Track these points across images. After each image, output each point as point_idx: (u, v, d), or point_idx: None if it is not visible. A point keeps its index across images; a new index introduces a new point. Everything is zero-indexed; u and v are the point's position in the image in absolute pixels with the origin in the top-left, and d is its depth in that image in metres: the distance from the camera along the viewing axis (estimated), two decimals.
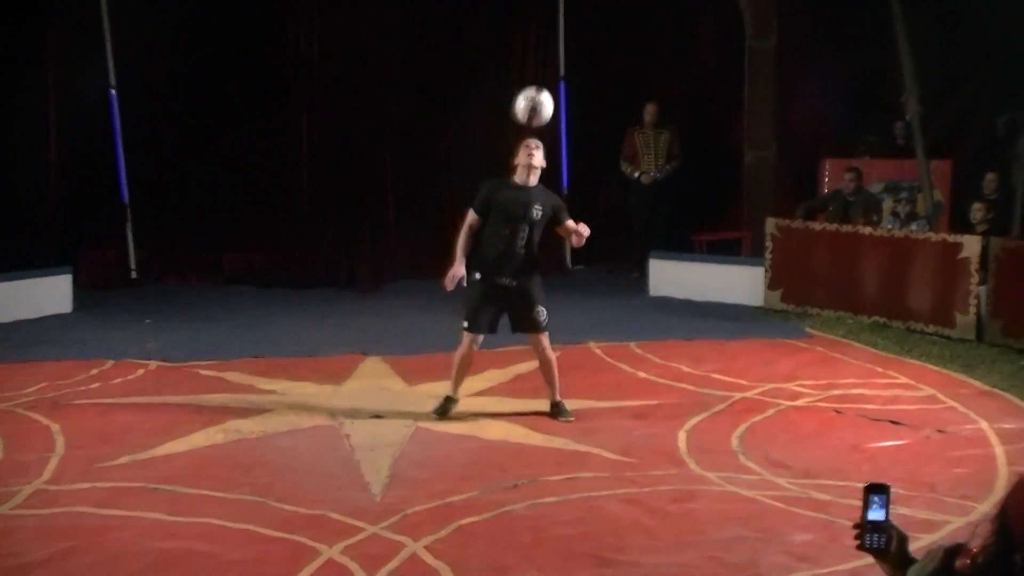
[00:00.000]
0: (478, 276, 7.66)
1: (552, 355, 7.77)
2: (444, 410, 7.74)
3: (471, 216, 7.70)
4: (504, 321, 7.85)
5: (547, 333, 7.73)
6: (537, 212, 7.60)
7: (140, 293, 12.35)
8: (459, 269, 7.66)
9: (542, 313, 7.66)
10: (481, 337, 7.77)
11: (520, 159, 7.68)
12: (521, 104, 7.63)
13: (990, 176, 11.75)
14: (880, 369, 9.12)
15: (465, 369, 7.83)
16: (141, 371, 8.97)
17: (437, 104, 13.46)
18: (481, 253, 7.66)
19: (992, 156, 12.76)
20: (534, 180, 7.68)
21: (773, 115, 13.39)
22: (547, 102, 7.65)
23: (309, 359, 9.33)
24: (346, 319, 11.03)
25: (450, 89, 13.46)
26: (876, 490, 2.58)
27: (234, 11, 12.69)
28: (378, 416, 7.77)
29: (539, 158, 7.68)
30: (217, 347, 9.69)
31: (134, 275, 12.80)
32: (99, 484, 6.38)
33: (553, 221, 7.73)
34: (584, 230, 7.62)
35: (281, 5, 13.07)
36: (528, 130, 7.76)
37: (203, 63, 12.67)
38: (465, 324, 7.73)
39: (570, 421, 7.61)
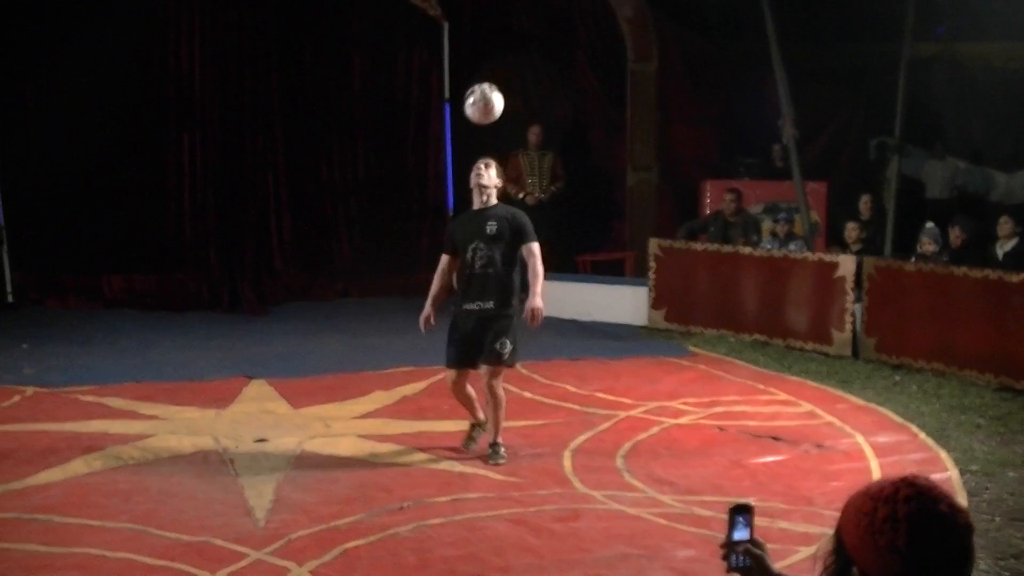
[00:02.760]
0: (453, 308, 7.40)
1: (502, 394, 7.33)
2: (471, 438, 7.51)
3: (442, 259, 7.43)
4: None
5: (503, 370, 7.28)
6: (491, 228, 7.19)
7: (16, 317, 12.02)
8: (427, 311, 7.34)
9: (505, 345, 7.17)
10: (468, 371, 7.35)
11: (471, 180, 7.37)
12: (470, 100, 7.22)
13: (865, 198, 12.11)
14: (761, 386, 9.31)
15: (463, 401, 7.48)
16: (17, 397, 8.74)
17: (322, 126, 13.40)
18: (457, 284, 7.42)
19: (865, 178, 13.16)
20: (491, 200, 7.30)
21: (654, 137, 13.62)
22: (497, 95, 7.22)
23: (192, 383, 9.19)
24: (230, 342, 10.89)
25: (335, 111, 13.43)
26: (740, 510, 2.65)
27: (114, 30, 12.45)
28: (262, 440, 7.68)
29: (488, 177, 7.29)
30: (97, 372, 9.48)
31: (10, 299, 12.47)
32: None
33: (516, 240, 7.24)
34: (533, 315, 7.13)
35: (161, 25, 12.86)
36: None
37: (82, 81, 12.38)
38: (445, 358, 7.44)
39: (500, 464, 7.20)
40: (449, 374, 7.41)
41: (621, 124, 13.74)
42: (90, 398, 8.72)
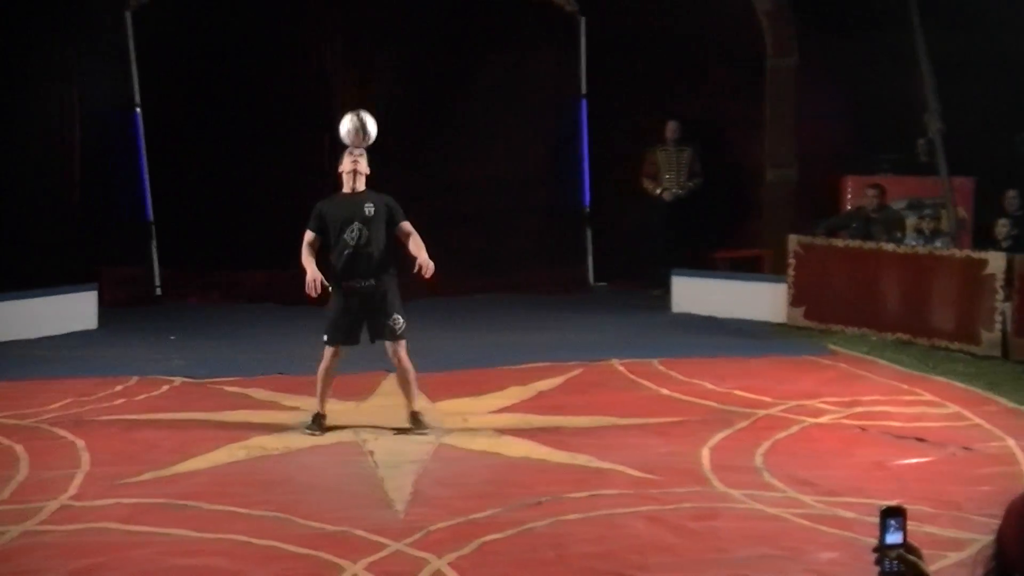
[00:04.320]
0: (332, 287, 7.75)
1: (410, 366, 7.82)
2: (317, 427, 7.74)
3: (307, 235, 7.78)
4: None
5: (404, 342, 7.79)
6: (369, 209, 7.67)
7: (165, 310, 12.40)
8: (313, 272, 7.61)
9: (398, 321, 7.75)
10: (345, 350, 7.85)
11: (344, 167, 7.77)
12: (347, 126, 7.72)
13: (1011, 193, 11.73)
14: (904, 386, 9.07)
15: (327, 384, 7.86)
16: (166, 387, 9.01)
17: (456, 123, 13.48)
18: (331, 266, 7.74)
19: (1014, 173, 12.72)
20: (361, 185, 7.78)
21: (793, 133, 13.38)
22: (371, 121, 7.75)
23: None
24: (367, 337, 11.00)
25: (470, 108, 13.50)
26: (892, 513, 2.56)
27: (258, 31, 12.75)
28: (401, 433, 7.77)
29: (364, 164, 7.76)
30: (241, 364, 9.72)
31: (159, 292, 12.86)
32: (123, 500, 6.41)
33: (390, 221, 7.77)
34: (427, 266, 7.69)
35: (304, 27, 13.11)
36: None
37: (227, 82, 12.71)
38: (324, 337, 7.83)
39: (426, 434, 7.63)
40: (333, 352, 7.79)
41: (759, 120, 13.53)
42: (234, 389, 8.95)
